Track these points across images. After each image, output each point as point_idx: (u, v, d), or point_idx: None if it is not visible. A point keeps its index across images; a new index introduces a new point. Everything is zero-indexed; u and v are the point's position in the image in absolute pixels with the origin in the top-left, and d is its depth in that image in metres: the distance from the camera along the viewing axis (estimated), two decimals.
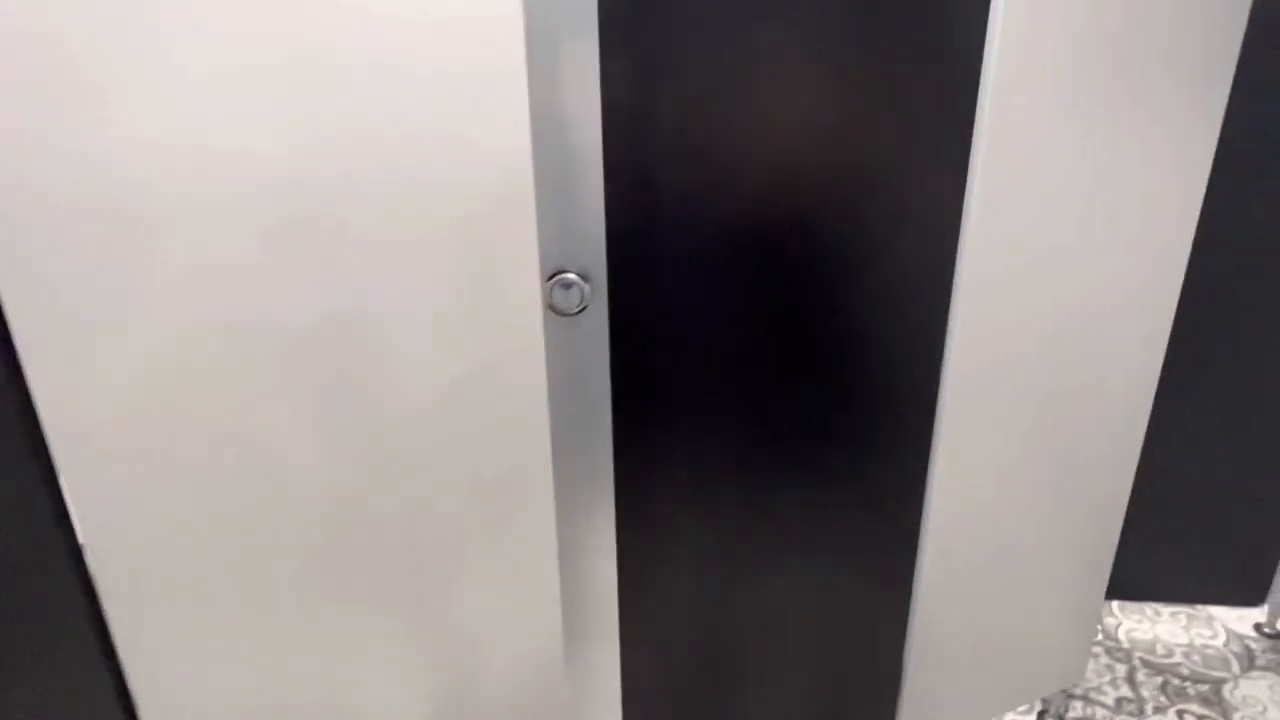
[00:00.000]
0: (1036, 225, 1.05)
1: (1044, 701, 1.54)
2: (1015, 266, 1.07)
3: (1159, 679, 1.61)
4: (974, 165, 0.99)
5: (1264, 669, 1.64)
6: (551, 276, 0.96)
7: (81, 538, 0.93)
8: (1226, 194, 1.39)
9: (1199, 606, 1.83)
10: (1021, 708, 1.46)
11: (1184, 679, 1.61)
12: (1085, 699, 1.55)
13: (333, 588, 0.99)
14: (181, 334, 0.86)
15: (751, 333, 1.03)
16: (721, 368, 1.04)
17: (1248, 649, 1.70)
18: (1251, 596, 1.74)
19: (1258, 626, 1.77)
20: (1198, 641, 1.72)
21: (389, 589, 1.01)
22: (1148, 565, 1.75)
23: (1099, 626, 1.74)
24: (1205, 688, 1.58)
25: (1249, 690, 1.58)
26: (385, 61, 0.79)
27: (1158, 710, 1.52)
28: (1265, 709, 1.52)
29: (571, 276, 0.96)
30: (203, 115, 0.79)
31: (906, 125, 0.97)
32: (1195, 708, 1.52)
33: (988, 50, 0.94)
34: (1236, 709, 1.52)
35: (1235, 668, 1.65)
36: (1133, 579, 1.76)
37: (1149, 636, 1.74)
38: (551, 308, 0.97)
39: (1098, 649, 1.69)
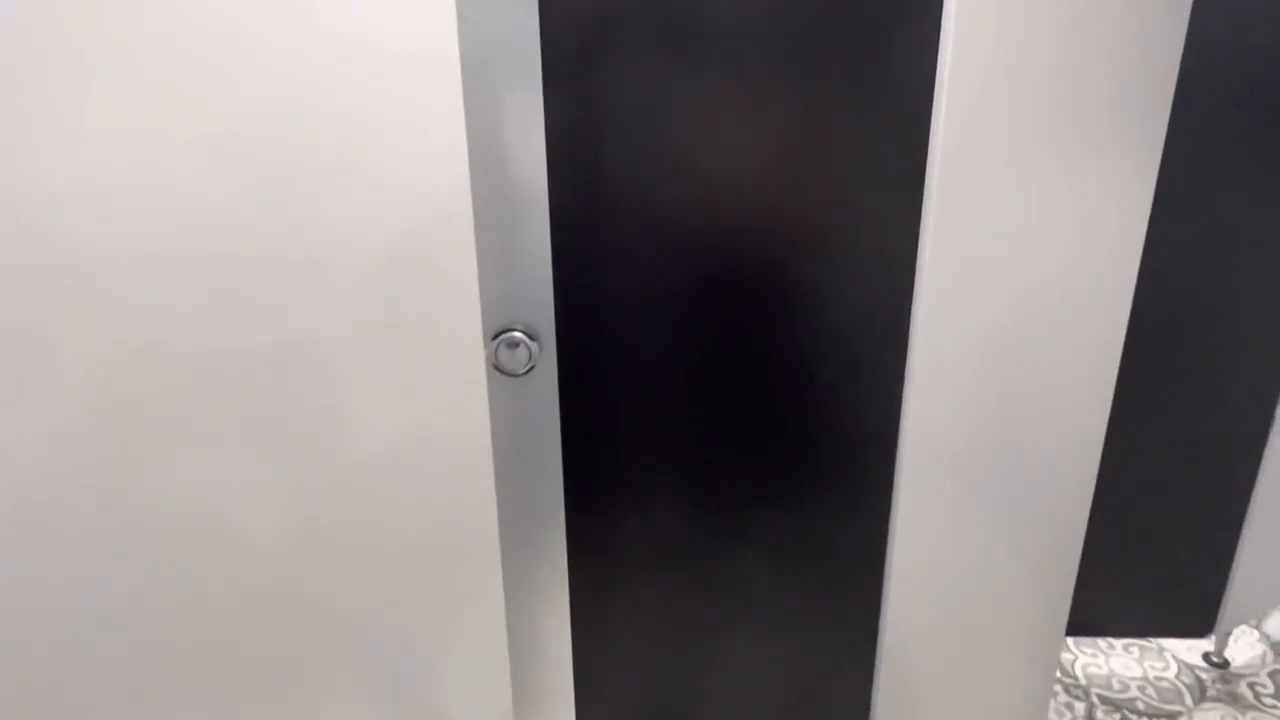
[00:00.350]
0: (990, 270, 1.05)
1: None
2: (970, 311, 1.06)
3: (1117, 715, 1.61)
4: (927, 210, 0.98)
5: (1215, 700, 1.66)
6: (497, 335, 0.91)
7: None
8: (1168, 232, 1.43)
9: (1150, 639, 1.84)
10: None
11: (1140, 713, 1.62)
12: None
13: (257, 667, 0.91)
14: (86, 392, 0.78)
15: (708, 388, 0.99)
16: (677, 427, 1.00)
17: (1199, 680, 1.72)
18: (1200, 627, 1.76)
19: (1206, 656, 1.79)
20: (1151, 674, 1.74)
21: (323, 663, 0.93)
22: (1099, 600, 1.76)
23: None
24: None
25: None
26: (310, 83, 0.73)
27: None
28: None
29: (518, 335, 0.91)
30: (118, 158, 0.72)
31: (859, 168, 0.96)
32: None
33: (938, 92, 0.93)
34: None
35: (1188, 699, 1.66)
36: (1085, 614, 1.77)
37: (1104, 671, 1.75)
38: (497, 368, 0.92)
39: (1056, 687, 1.69)
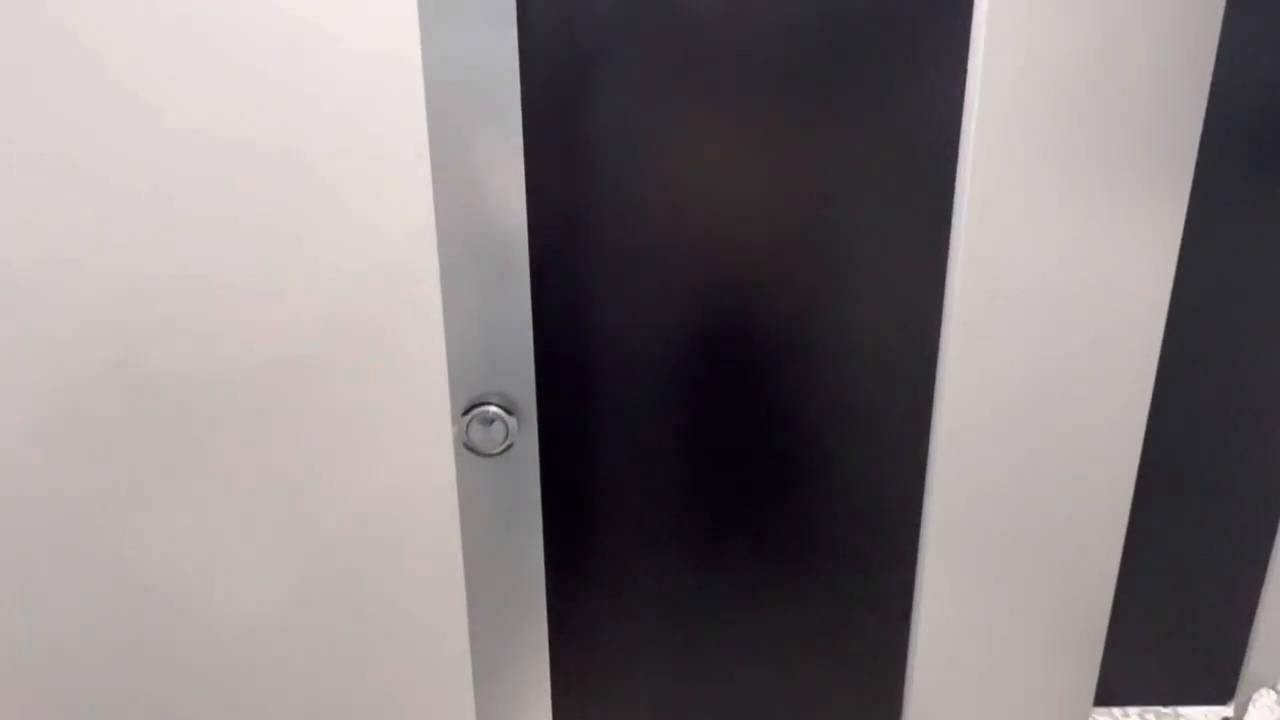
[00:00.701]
0: (1020, 317, 0.95)
1: None
2: (997, 373, 0.96)
3: None
4: (953, 255, 0.88)
5: None
6: (469, 410, 0.78)
7: None
8: (1189, 274, 1.36)
9: (1169, 706, 1.74)
10: None
11: None
12: None
13: None
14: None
15: (711, 467, 0.87)
16: (677, 513, 0.88)
17: None
18: (1219, 695, 1.67)
19: None
20: None
21: None
22: (1116, 667, 1.66)
23: None
24: None
25: None
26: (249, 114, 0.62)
27: None
28: None
29: (493, 409, 0.78)
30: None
31: (878, 210, 0.85)
32: None
33: (964, 130, 0.84)
34: None
35: None
36: (1102, 682, 1.67)
37: None
38: (469, 447, 0.79)
39: None
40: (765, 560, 0.93)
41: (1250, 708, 1.71)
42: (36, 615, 0.75)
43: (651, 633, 0.92)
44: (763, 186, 0.81)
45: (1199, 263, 1.25)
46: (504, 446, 0.79)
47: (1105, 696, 1.67)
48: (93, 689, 0.77)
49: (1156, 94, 0.92)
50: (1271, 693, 1.77)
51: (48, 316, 0.68)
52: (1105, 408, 1.09)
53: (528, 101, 0.73)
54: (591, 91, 0.75)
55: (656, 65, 0.75)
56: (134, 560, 0.74)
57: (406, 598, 0.77)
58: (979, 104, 0.81)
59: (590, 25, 0.73)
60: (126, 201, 0.65)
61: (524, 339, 0.78)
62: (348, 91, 0.62)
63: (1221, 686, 1.66)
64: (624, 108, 0.76)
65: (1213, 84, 0.93)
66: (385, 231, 0.68)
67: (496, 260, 0.76)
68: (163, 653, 0.77)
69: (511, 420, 0.78)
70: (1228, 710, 1.70)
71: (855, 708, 1.08)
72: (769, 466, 0.89)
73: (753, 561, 0.92)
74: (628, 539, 0.87)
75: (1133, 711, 1.71)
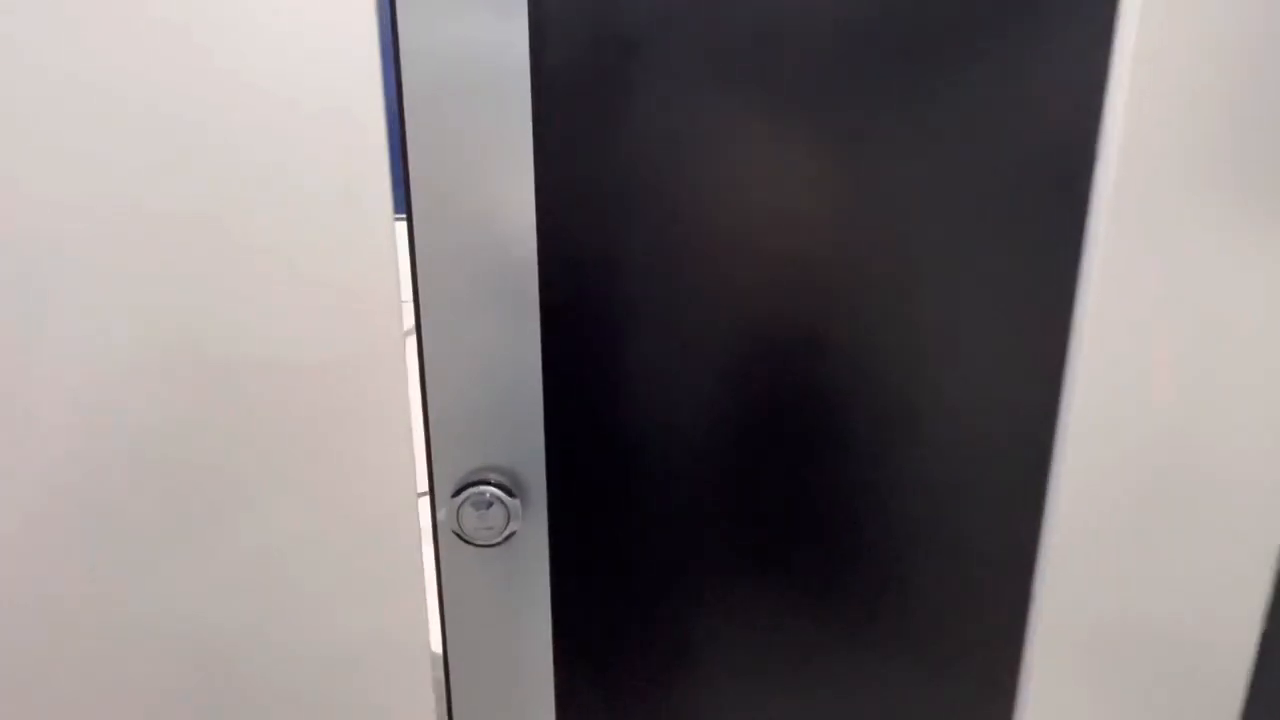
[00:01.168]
0: (1154, 385, 0.76)
1: None
2: (1128, 427, 0.77)
3: None
4: (1079, 321, 0.69)
5: None
6: (460, 490, 0.62)
7: None
8: None
9: None
10: None
11: None
12: None
13: None
14: None
15: (766, 561, 0.70)
16: (722, 618, 0.70)
17: None
18: None
19: None
20: None
21: None
22: None
23: None
24: None
25: None
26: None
27: None
28: None
29: (491, 489, 0.62)
30: None
31: (980, 251, 0.68)
32: None
33: (1101, 163, 0.66)
34: None
35: None
36: None
37: None
38: (460, 536, 0.63)
39: None
40: (835, 673, 0.75)
41: None
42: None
43: None
44: (838, 211, 0.64)
45: None
46: (504, 535, 0.63)
47: None
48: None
49: None
50: None
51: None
52: (1257, 474, 0.90)
53: (539, 102, 0.58)
54: (624, 87, 0.59)
55: (707, 56, 0.59)
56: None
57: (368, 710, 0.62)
58: (1126, 99, 0.63)
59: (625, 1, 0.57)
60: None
61: (532, 401, 0.63)
62: (287, 80, 0.47)
63: None
64: (664, 110, 0.60)
65: None
66: (344, 262, 0.54)
67: (498, 303, 0.61)
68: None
69: (514, 503, 0.62)
70: None
71: None
72: (841, 561, 0.71)
73: (820, 676, 0.74)
74: (662, 653, 0.70)
75: None
